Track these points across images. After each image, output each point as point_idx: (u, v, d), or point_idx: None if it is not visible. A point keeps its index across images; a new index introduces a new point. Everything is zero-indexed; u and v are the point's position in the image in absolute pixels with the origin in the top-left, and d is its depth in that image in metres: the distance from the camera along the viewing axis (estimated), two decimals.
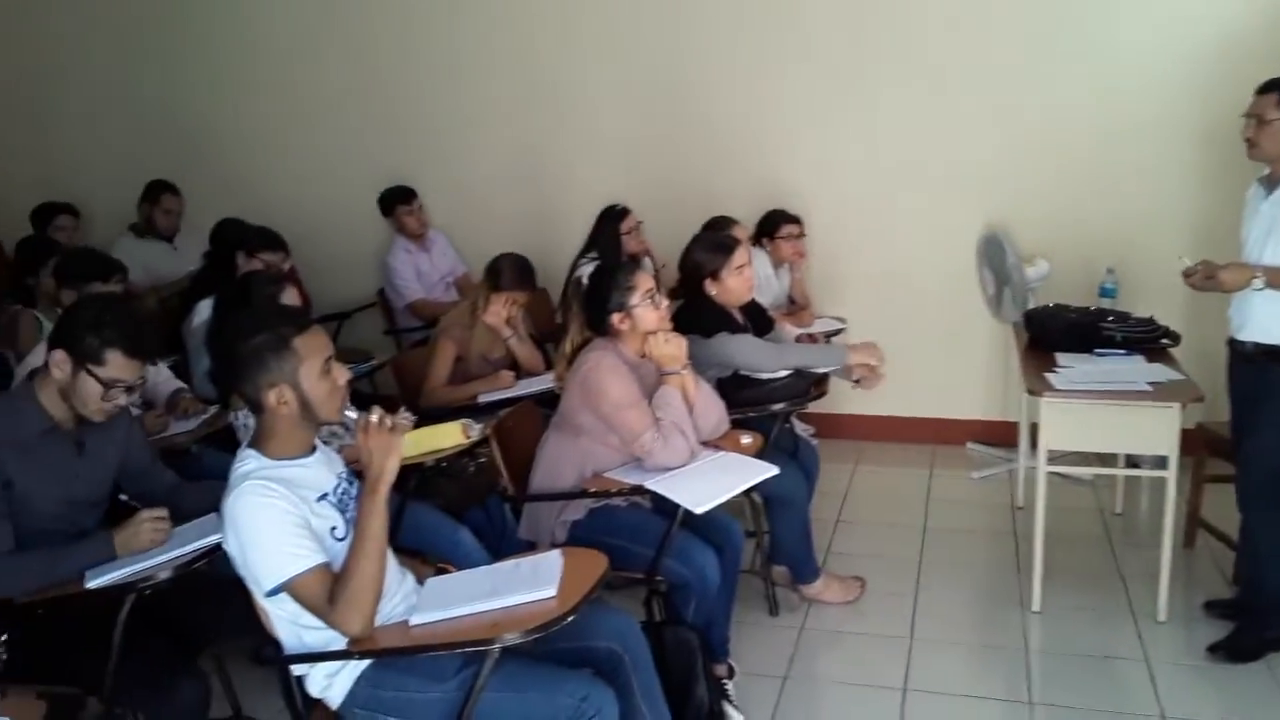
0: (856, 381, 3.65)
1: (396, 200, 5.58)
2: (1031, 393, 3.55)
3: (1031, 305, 4.43)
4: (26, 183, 6.04)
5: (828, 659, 3.47)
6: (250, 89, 6.03)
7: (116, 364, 2.50)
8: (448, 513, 3.34)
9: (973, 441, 5.30)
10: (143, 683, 2.47)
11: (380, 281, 5.66)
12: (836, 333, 4.76)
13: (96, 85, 6.24)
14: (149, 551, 2.48)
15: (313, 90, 5.95)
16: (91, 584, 2.40)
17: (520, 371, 4.08)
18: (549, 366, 4.16)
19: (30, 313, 4.19)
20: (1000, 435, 5.19)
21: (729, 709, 2.96)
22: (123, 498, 2.76)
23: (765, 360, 3.56)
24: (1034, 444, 3.70)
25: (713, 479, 2.88)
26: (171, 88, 6.12)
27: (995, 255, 4.62)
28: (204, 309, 4.06)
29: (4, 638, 2.47)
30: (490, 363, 4.05)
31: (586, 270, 4.71)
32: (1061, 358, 3.76)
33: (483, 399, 3.85)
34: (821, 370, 3.63)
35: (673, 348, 3.08)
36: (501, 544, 3.43)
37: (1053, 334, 3.95)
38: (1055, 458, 3.62)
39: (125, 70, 6.18)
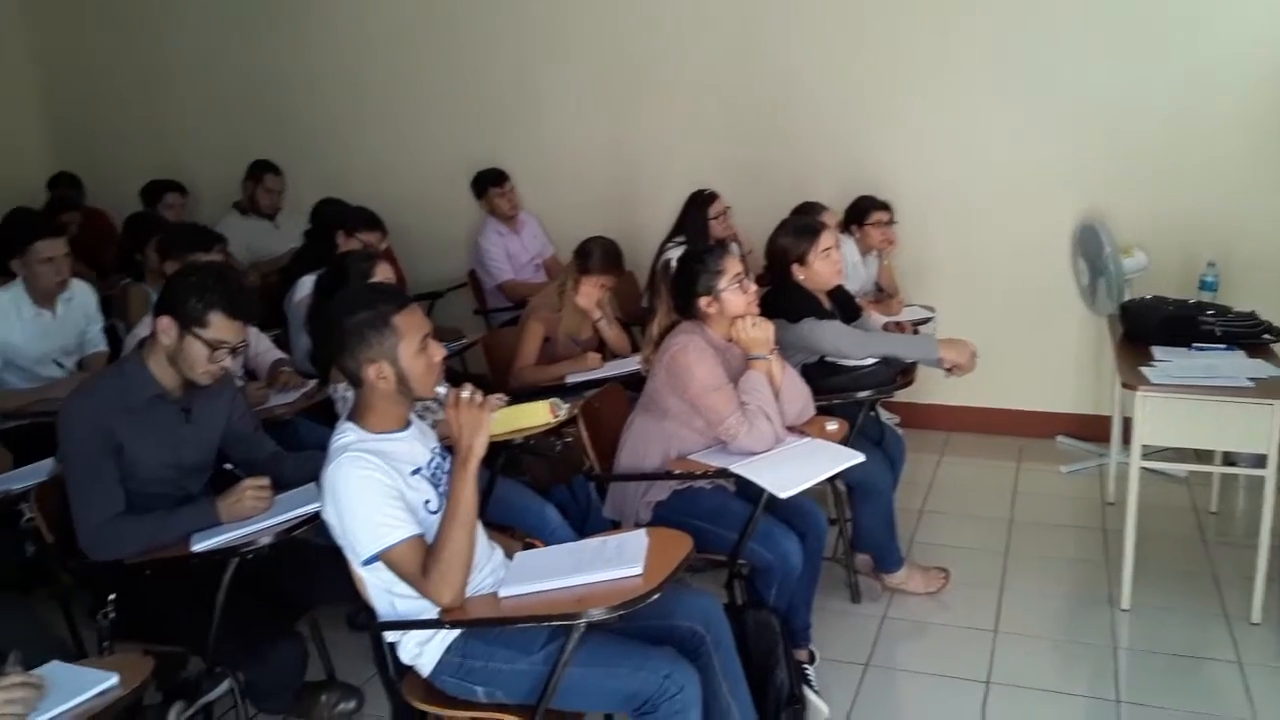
0: (949, 370, 3.60)
1: (489, 182, 5.67)
2: (1127, 386, 3.47)
3: (1127, 297, 4.33)
4: (138, 161, 6.28)
5: (909, 649, 3.46)
6: (351, 74, 6.18)
7: (219, 325, 2.59)
8: (534, 490, 3.40)
9: (1063, 435, 5.20)
10: (242, 644, 2.58)
11: (471, 262, 5.76)
12: (925, 321, 4.71)
13: (206, 68, 6.46)
14: (251, 518, 2.57)
15: (410, 76, 6.07)
16: (197, 547, 2.50)
17: (607, 353, 4.13)
18: (635, 349, 4.21)
19: (139, 286, 4.37)
20: (1091, 429, 5.08)
21: (810, 694, 2.97)
22: (227, 466, 2.87)
23: (852, 347, 3.54)
24: (1127, 439, 3.62)
25: (798, 464, 2.89)
26: (277, 71, 6.30)
27: (1091, 245, 4.53)
28: (305, 285, 4.18)
29: (112, 597, 2.61)
30: (578, 344, 4.10)
31: (674, 254, 4.73)
32: (1158, 351, 3.68)
33: (570, 379, 3.90)
34: (909, 360, 3.60)
35: (760, 332, 3.09)
36: (586, 522, 3.49)
37: (1149, 327, 3.86)
38: (1149, 453, 3.54)
39: (233, 54, 6.37)
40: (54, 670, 2.04)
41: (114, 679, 1.96)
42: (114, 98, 6.68)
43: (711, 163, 5.45)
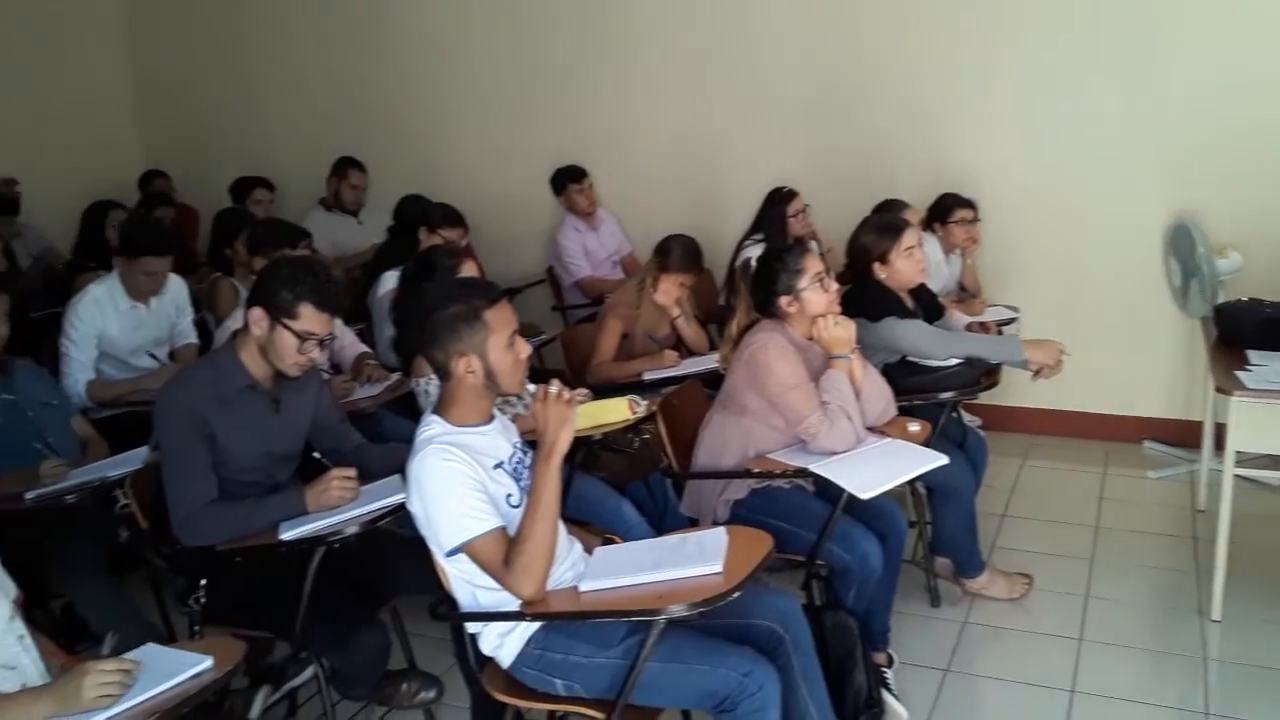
0: (1036, 372, 3.53)
1: (568, 179, 5.70)
2: (1220, 391, 3.37)
3: (1221, 299, 4.20)
4: (227, 158, 6.45)
5: (990, 655, 3.40)
6: (433, 72, 6.26)
7: (308, 317, 2.64)
8: (611, 486, 3.41)
9: (1151, 440, 5.07)
10: (329, 631, 2.62)
11: (549, 259, 5.79)
12: (1009, 322, 4.62)
13: (293, 68, 6.60)
14: (338, 508, 2.62)
15: (491, 73, 6.13)
16: (285, 535, 2.55)
17: (684, 351, 4.12)
18: (712, 347, 4.20)
19: (228, 280, 4.48)
20: (1181, 435, 4.94)
21: (888, 698, 2.94)
22: (315, 455, 2.93)
23: (934, 347, 3.49)
24: (1219, 445, 3.52)
25: (879, 465, 2.85)
26: (362, 70, 6.42)
27: (1183, 246, 4.40)
28: (388, 280, 4.25)
29: (203, 583, 2.68)
30: (656, 341, 4.11)
31: (752, 252, 4.73)
32: (1254, 355, 3.56)
33: (647, 376, 3.91)
34: (994, 361, 3.53)
35: (841, 331, 3.06)
36: (663, 519, 3.49)
37: (1245, 330, 3.74)
38: (1243, 460, 3.43)
39: (320, 54, 6.51)
40: (150, 652, 2.09)
41: (209, 661, 2.01)
42: (204, 97, 6.87)
43: (791, 160, 5.42)
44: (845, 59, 5.35)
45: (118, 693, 1.90)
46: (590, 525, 3.13)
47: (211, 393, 2.65)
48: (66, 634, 2.95)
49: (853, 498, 2.77)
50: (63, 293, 4.77)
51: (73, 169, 6.28)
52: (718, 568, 2.24)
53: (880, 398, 3.14)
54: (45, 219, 5.77)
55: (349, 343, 4.11)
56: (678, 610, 2.12)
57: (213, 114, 6.85)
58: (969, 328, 3.97)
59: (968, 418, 4.53)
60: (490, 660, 2.39)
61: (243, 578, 2.66)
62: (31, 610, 2.20)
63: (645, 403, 3.26)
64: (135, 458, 3.00)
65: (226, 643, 2.15)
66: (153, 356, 4.06)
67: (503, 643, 2.34)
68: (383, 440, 3.15)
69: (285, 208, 6.05)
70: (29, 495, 2.92)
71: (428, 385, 3.36)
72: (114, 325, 3.95)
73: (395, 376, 3.79)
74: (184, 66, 6.91)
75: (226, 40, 6.75)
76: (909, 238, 3.52)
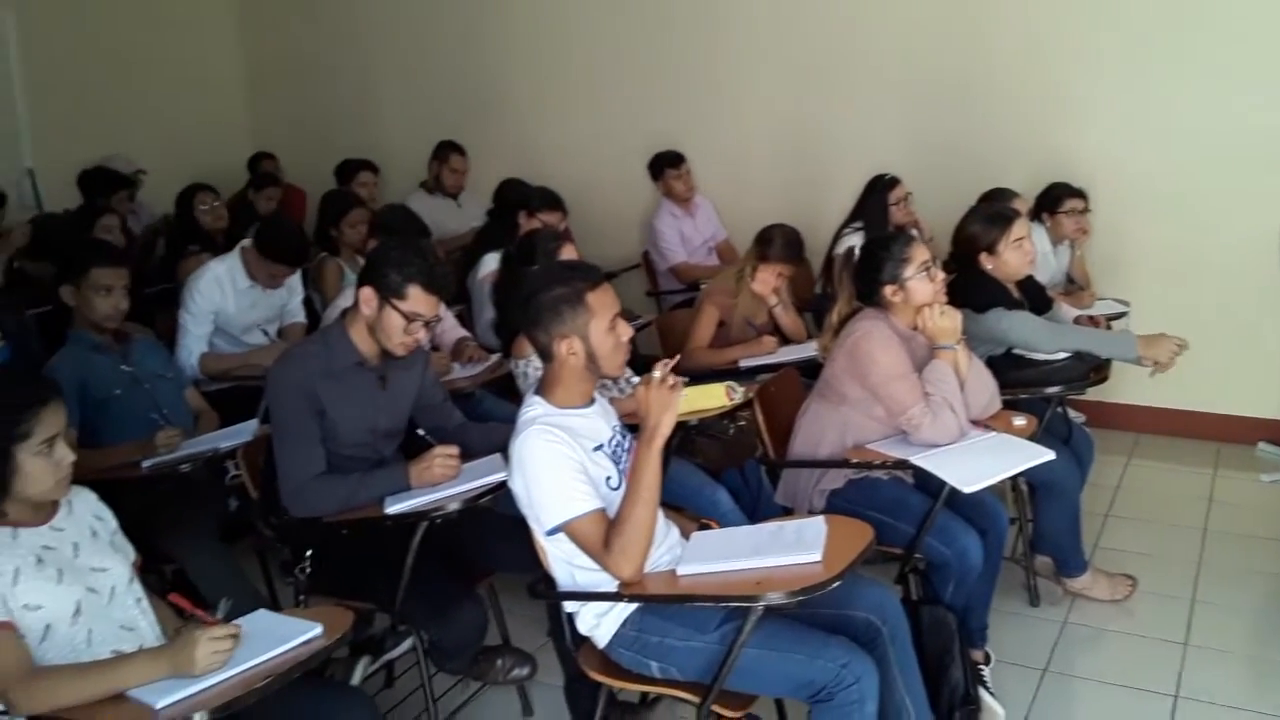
0: (1154, 366, 3.41)
1: (666, 164, 5.70)
2: None
3: None
4: (335, 141, 6.59)
5: (1091, 656, 3.32)
6: (533, 58, 6.32)
7: (416, 298, 2.69)
8: (706, 472, 3.41)
9: (1264, 442, 4.87)
10: (428, 605, 2.68)
11: (645, 244, 5.80)
12: (1118, 316, 4.49)
13: (400, 53, 6.73)
14: (440, 484, 2.66)
15: (590, 58, 6.16)
16: (390, 510, 2.60)
17: (782, 339, 4.10)
18: (809, 335, 4.17)
19: (334, 260, 4.59)
20: None
21: (985, 695, 2.89)
22: (420, 432, 2.98)
23: (1042, 340, 3.41)
24: None
25: (983, 459, 2.80)
26: (465, 56, 6.50)
27: None
28: (488, 262, 4.31)
29: (309, 553, 2.76)
30: (753, 328, 4.09)
31: (851, 241, 4.66)
32: None
33: (743, 364, 3.89)
34: (1104, 356, 3.43)
35: (947, 321, 3.00)
36: (756, 507, 3.48)
37: None
38: None
39: (424, 40, 6.61)
40: (261, 618, 2.17)
41: (318, 629, 2.07)
42: (312, 82, 7.04)
43: (893, 146, 5.34)
44: (951, 42, 5.25)
45: (228, 658, 1.96)
46: (685, 510, 3.13)
47: (322, 368, 2.72)
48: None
49: (954, 491, 2.72)
50: (165, 272, 4.97)
51: (186, 151, 6.49)
52: (817, 557, 2.22)
53: (985, 390, 3.08)
54: (159, 200, 5.97)
55: (449, 326, 4.18)
56: (776, 598, 2.10)
57: (320, 98, 7.02)
58: (1077, 321, 3.87)
59: (1072, 413, 4.43)
60: (586, 640, 2.41)
61: (347, 550, 2.73)
62: (146, 575, 2.27)
63: (742, 389, 3.24)
64: (246, 430, 3.10)
65: (335, 612, 2.20)
66: (264, 333, 4.18)
67: (599, 623, 2.36)
68: (482, 420, 3.19)
69: (387, 191, 6.17)
70: (146, 463, 3.04)
71: (526, 367, 3.40)
72: (231, 303, 4.08)
73: (494, 358, 3.84)
74: (293, 52, 7.09)
75: (335, 26, 6.90)
76: (1018, 228, 3.45)
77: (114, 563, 2.17)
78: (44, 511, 2.11)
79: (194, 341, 3.99)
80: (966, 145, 5.23)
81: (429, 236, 4.23)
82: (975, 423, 3.02)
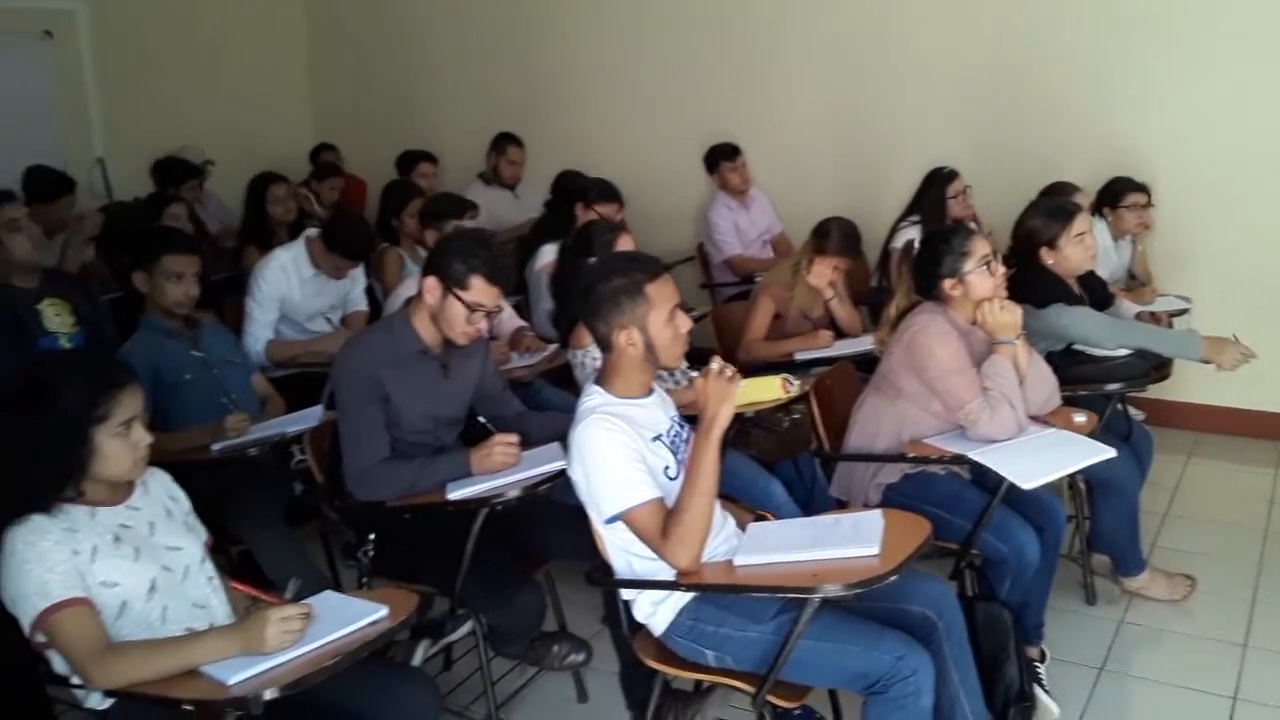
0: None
1: (721, 156, 5.70)
2: None
3: None
4: (395, 132, 6.69)
5: (1148, 656, 3.29)
6: (590, 50, 6.36)
7: (479, 289, 2.73)
8: (760, 464, 3.42)
9: None
10: (488, 590, 2.73)
11: (699, 236, 5.81)
12: (1180, 313, 4.43)
13: (459, 46, 6.81)
14: (499, 472, 2.71)
15: (648, 50, 6.19)
16: (452, 496, 2.65)
17: (837, 332, 4.09)
18: (865, 328, 4.16)
19: (395, 250, 4.66)
20: None
21: (1040, 693, 2.88)
22: (480, 420, 3.03)
23: (1103, 336, 3.38)
24: None
25: (1042, 455, 2.78)
26: (522, 49, 6.57)
27: None
28: (546, 253, 4.35)
29: (372, 536, 2.82)
30: (809, 321, 4.09)
31: (908, 234, 4.66)
32: None
33: (798, 356, 3.90)
34: (1167, 355, 3.39)
35: (1007, 316, 2.98)
36: (810, 500, 3.49)
37: None
38: None
39: (483, 34, 6.69)
40: (328, 599, 2.22)
41: (384, 610, 2.11)
42: (373, 75, 7.15)
43: (950, 138, 5.30)
44: (1012, 33, 5.19)
45: (298, 637, 2.01)
46: (739, 502, 3.15)
47: (386, 356, 2.77)
48: (242, 579, 3.14)
49: (1011, 487, 2.71)
50: (233, 260, 5.07)
51: (251, 142, 6.61)
52: (874, 550, 2.23)
53: (1044, 386, 3.05)
54: (225, 189, 6.10)
55: (507, 316, 4.22)
56: (833, 590, 2.12)
57: (381, 90, 7.12)
58: (1138, 317, 3.83)
59: (1132, 411, 4.37)
60: (642, 627, 2.44)
61: (408, 534, 2.78)
62: (214, 555, 2.34)
63: (798, 382, 3.24)
64: (311, 415, 3.16)
65: (400, 594, 2.25)
66: (328, 320, 4.26)
67: (656, 611, 2.39)
68: (539, 410, 3.23)
69: (446, 182, 6.23)
70: (215, 447, 3.11)
71: (584, 357, 3.43)
72: (296, 291, 4.16)
73: (552, 348, 3.88)
74: (355, 45, 7.20)
75: (396, 20, 6.99)
76: (1080, 223, 3.42)
77: (187, 542, 2.23)
78: (121, 491, 2.18)
79: (260, 328, 4.08)
80: (1026, 138, 5.18)
81: (476, 209, 4.28)
82: (1034, 419, 3.00)
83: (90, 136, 6.15)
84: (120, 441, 2.09)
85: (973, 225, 4.63)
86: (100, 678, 1.97)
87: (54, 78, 5.99)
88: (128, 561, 2.08)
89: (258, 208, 5.19)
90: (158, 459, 2.33)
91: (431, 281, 2.75)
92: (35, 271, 3.58)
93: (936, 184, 4.83)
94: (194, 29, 6.60)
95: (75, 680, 2.03)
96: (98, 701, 2.05)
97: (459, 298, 2.73)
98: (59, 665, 2.06)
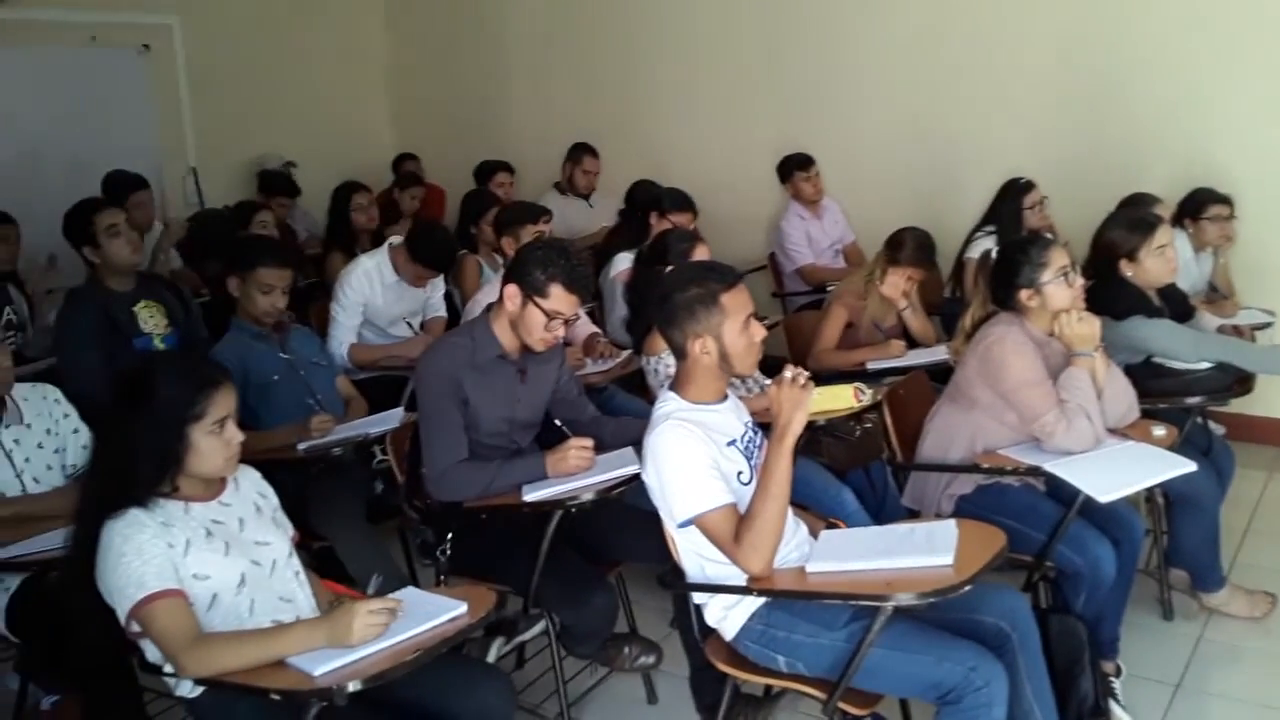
0: None
1: (795, 166, 5.71)
2: None
3: None
4: (474, 142, 6.80)
5: (1227, 674, 3.23)
6: (663, 62, 6.42)
7: (557, 297, 2.79)
8: (832, 473, 3.43)
9: None
10: (562, 590, 2.78)
11: (770, 245, 5.83)
12: (1263, 326, 4.32)
13: (536, 57, 6.93)
14: (574, 475, 2.76)
15: (721, 61, 6.22)
16: (528, 497, 2.71)
17: (911, 342, 4.08)
18: (938, 339, 4.15)
19: (473, 258, 4.76)
20: None
21: (1115, 708, 2.85)
22: (557, 423, 3.09)
23: (1184, 349, 3.33)
24: None
25: (1120, 468, 2.75)
26: (598, 60, 6.65)
27: None
28: (620, 261, 4.41)
29: (449, 536, 2.89)
30: (881, 331, 4.09)
31: (983, 245, 4.61)
32: None
33: (870, 366, 3.89)
34: (1250, 369, 3.33)
35: (1085, 328, 2.95)
36: (881, 509, 3.48)
37: None
38: None
39: (560, 45, 6.79)
40: (409, 594, 2.28)
41: (464, 607, 2.17)
42: (453, 86, 7.27)
43: (1027, 148, 5.24)
44: (1090, 41, 5.13)
45: (382, 631, 2.07)
46: (811, 510, 3.16)
47: (467, 360, 2.84)
48: (322, 575, 3.24)
49: (1087, 500, 2.69)
50: (316, 267, 5.22)
51: (334, 152, 6.79)
52: (948, 560, 2.23)
53: (1123, 399, 3.02)
54: (309, 197, 6.27)
55: (581, 322, 4.28)
56: (906, 598, 2.12)
57: (459, 101, 7.25)
58: (1220, 330, 3.76)
59: (1212, 425, 4.29)
60: (713, 631, 2.46)
61: (485, 534, 2.85)
62: (297, 550, 2.41)
63: (870, 391, 3.25)
64: (392, 417, 3.25)
65: (478, 591, 2.31)
66: (408, 325, 4.37)
67: (727, 615, 2.41)
68: (612, 415, 3.28)
69: (523, 191, 6.33)
70: (301, 446, 3.21)
71: (658, 364, 3.48)
72: (379, 296, 4.28)
73: (625, 354, 3.93)
74: (434, 57, 7.34)
75: (474, 32, 7.12)
76: (1161, 235, 3.37)
77: (275, 537, 2.31)
78: (213, 488, 2.26)
79: (344, 332, 4.20)
80: (1105, 148, 5.10)
81: (549, 215, 4.41)
82: (1112, 432, 2.97)
83: (184, 147, 6.38)
84: (214, 439, 2.17)
85: (1049, 236, 4.59)
86: (191, 666, 2.04)
87: (150, 90, 6.22)
88: (219, 555, 2.15)
89: (342, 215, 5.34)
90: (246, 457, 2.42)
91: (512, 289, 2.81)
92: (131, 275, 3.72)
93: (1013, 194, 4.79)
94: (281, 43, 6.79)
95: (167, 669, 2.11)
96: (188, 690, 2.14)
97: (538, 305, 2.79)
98: (152, 654, 2.14)
